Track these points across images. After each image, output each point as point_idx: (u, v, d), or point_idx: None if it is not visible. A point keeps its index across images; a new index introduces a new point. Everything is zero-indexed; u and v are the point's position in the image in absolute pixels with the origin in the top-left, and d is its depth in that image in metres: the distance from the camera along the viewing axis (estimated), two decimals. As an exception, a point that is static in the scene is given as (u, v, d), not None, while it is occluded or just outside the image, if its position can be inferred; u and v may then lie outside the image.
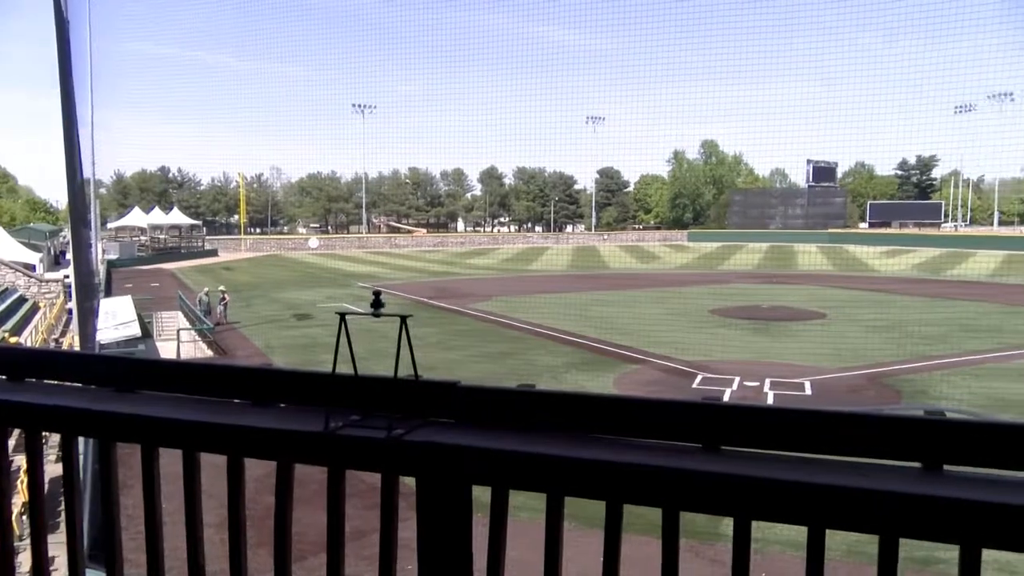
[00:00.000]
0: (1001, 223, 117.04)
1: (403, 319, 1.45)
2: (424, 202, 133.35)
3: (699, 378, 21.72)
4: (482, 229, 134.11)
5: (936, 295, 41.26)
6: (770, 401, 18.91)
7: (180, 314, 33.44)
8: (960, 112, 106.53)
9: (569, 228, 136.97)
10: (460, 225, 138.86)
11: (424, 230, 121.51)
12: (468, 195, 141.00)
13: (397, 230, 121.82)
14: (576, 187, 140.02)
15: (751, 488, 1.10)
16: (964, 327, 30.33)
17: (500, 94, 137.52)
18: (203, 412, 1.60)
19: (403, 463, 1.39)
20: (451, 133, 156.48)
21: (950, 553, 1.09)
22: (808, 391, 20.41)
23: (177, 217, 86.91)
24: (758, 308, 36.28)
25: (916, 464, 1.11)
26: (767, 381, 21.01)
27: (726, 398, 19.20)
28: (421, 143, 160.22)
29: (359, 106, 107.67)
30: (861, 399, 19.67)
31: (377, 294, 1.57)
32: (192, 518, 1.61)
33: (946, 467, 1.09)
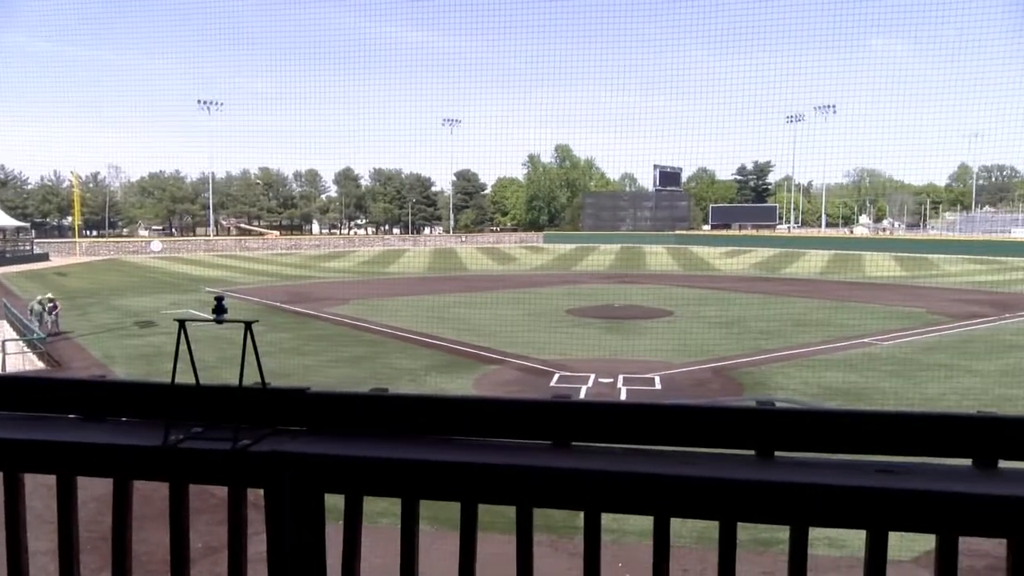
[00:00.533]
0: (828, 225, 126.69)
1: (248, 325, 1.37)
2: (277, 203, 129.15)
3: (556, 376, 22.18)
4: (338, 231, 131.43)
5: (772, 292, 44.14)
6: (623, 396, 19.58)
7: (5, 323, 30.78)
8: (791, 122, 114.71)
9: (427, 230, 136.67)
10: (315, 227, 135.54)
11: (277, 232, 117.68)
12: (323, 197, 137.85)
13: (248, 232, 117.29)
14: (434, 189, 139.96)
15: (599, 481, 1.11)
16: (797, 322, 32.58)
17: (356, 94, 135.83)
18: (27, 429, 1.46)
19: (250, 475, 1.31)
20: (305, 133, 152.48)
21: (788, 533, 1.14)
22: (658, 385, 21.26)
23: (0, 218, 79.91)
24: (611, 307, 37.52)
25: (751, 452, 1.15)
26: (620, 377, 21.72)
27: (582, 395, 19.71)
28: (273, 143, 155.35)
29: (205, 102, 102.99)
30: (707, 391, 20.70)
31: (219, 299, 1.48)
32: (16, 546, 1.46)
33: (777, 453, 1.14)
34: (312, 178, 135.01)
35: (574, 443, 1.22)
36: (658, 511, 1.13)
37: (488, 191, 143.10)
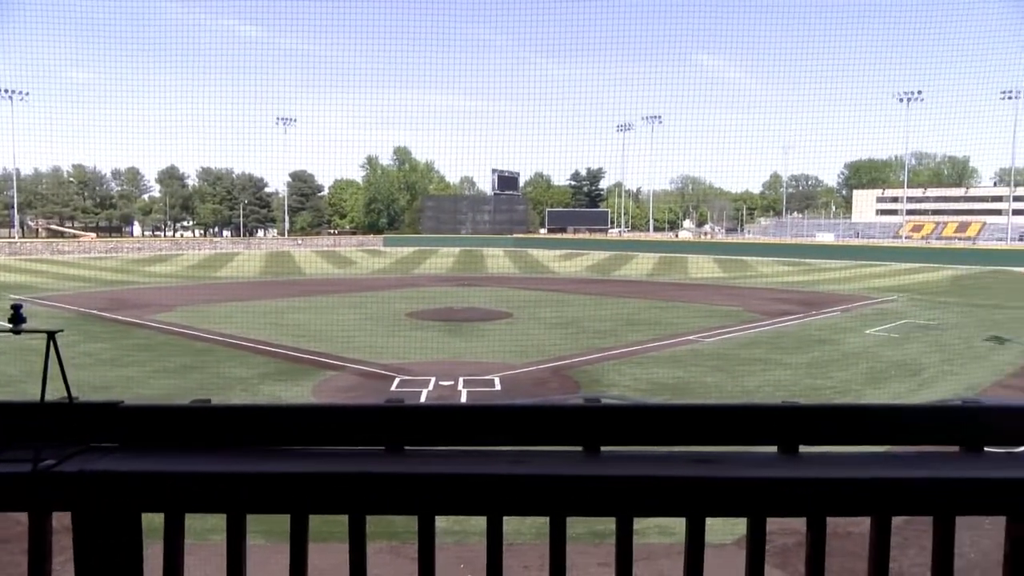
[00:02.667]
0: (655, 229, 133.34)
1: (51, 335, 1.25)
2: (93, 203, 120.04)
3: (397, 380, 21.97)
4: (162, 234, 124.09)
5: (605, 293, 45.91)
6: (464, 398, 19.68)
7: None
8: (621, 131, 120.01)
9: (261, 233, 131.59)
10: (136, 229, 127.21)
11: (93, 235, 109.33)
12: (145, 197, 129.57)
13: (60, 234, 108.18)
14: (267, 190, 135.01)
15: (432, 485, 1.11)
16: (628, 321, 34.03)
17: (182, 88, 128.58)
18: None
19: (54, 498, 1.19)
20: (125, 128, 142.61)
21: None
22: (498, 386, 21.53)
23: None
24: (451, 310, 37.65)
25: (578, 448, 1.19)
26: (461, 379, 21.82)
27: (423, 398, 19.64)
28: (89, 138, 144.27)
29: (8, 91, 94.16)
30: (546, 390, 21.20)
31: (16, 308, 1.34)
32: None
33: (603, 448, 1.18)
34: (133, 176, 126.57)
35: (407, 448, 1.21)
36: (491, 510, 1.14)
37: (325, 193, 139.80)
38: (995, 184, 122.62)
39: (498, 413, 1.21)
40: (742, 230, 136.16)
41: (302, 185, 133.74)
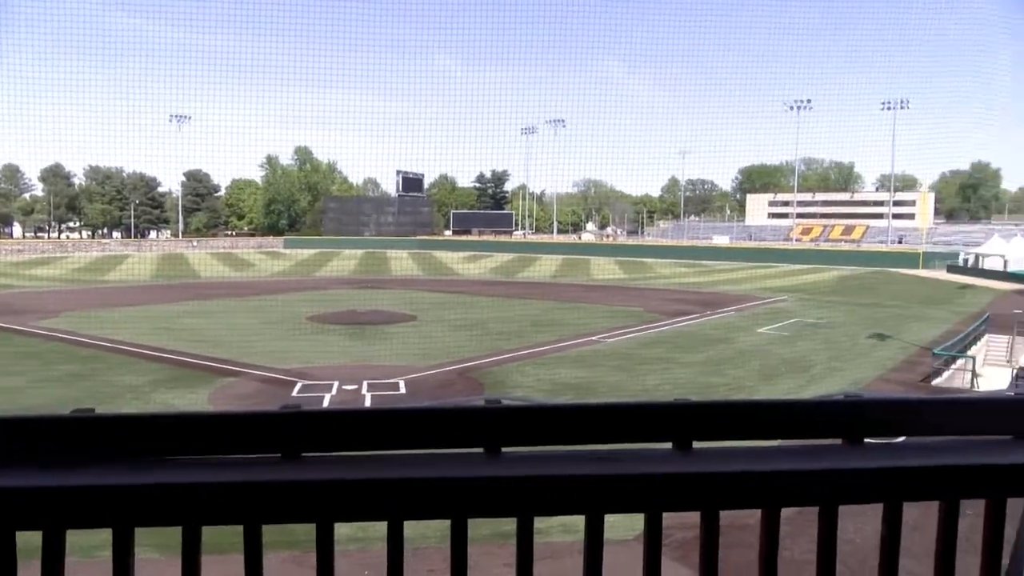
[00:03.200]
0: (559, 231, 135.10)
1: None
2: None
3: (299, 386, 21.50)
4: (46, 235, 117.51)
5: (510, 295, 46.19)
6: (367, 402, 19.43)
7: None
8: (526, 133, 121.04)
9: (153, 234, 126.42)
10: (16, 230, 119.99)
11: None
12: (26, 196, 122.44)
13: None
14: (160, 190, 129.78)
15: (331, 491, 1.08)
16: (533, 322, 34.35)
17: (66, 82, 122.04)
18: None
19: None
20: (2, 123, 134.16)
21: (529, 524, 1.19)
22: (403, 390, 21.36)
23: None
24: (355, 312, 37.11)
25: (479, 449, 1.19)
26: (365, 383, 21.54)
27: (326, 403, 19.28)
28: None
29: None
30: (451, 392, 21.15)
31: None
32: None
33: (504, 449, 1.18)
34: (11, 174, 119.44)
35: (305, 454, 1.17)
36: (390, 515, 1.13)
37: (222, 193, 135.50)
38: (877, 189, 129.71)
39: (399, 416, 1.19)
40: (642, 233, 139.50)
41: (197, 185, 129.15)
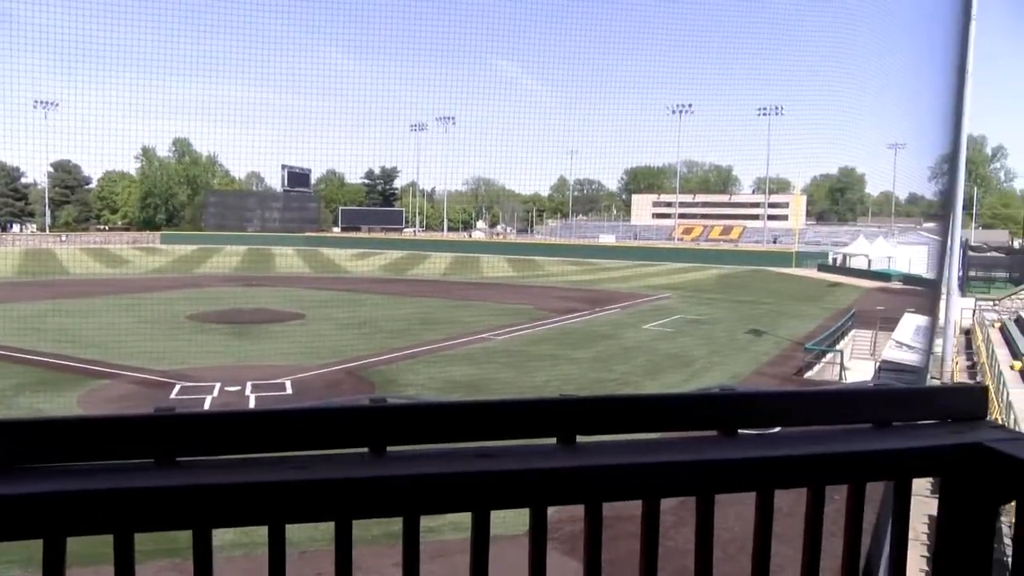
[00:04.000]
0: (449, 229, 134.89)
1: None
2: None
3: (177, 387, 20.65)
4: None
5: (400, 293, 45.82)
6: (252, 404, 18.85)
7: None
8: (415, 130, 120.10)
9: (16, 228, 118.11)
10: None
11: None
12: None
13: None
14: (24, 181, 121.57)
15: (209, 496, 1.03)
16: (423, 320, 34.19)
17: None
18: None
19: None
20: None
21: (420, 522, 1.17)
22: (289, 390, 20.86)
23: None
24: (238, 311, 35.90)
25: (364, 449, 1.16)
26: (249, 384, 20.91)
27: (207, 405, 18.57)
28: None
29: None
30: (339, 392, 20.79)
31: None
32: None
33: (389, 449, 1.17)
34: None
35: (180, 459, 1.11)
36: (270, 519, 1.09)
37: (94, 185, 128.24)
38: (753, 192, 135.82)
39: (280, 417, 1.14)
40: (532, 231, 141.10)
41: (66, 176, 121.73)
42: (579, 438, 1.26)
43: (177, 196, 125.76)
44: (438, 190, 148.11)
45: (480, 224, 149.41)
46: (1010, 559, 1.31)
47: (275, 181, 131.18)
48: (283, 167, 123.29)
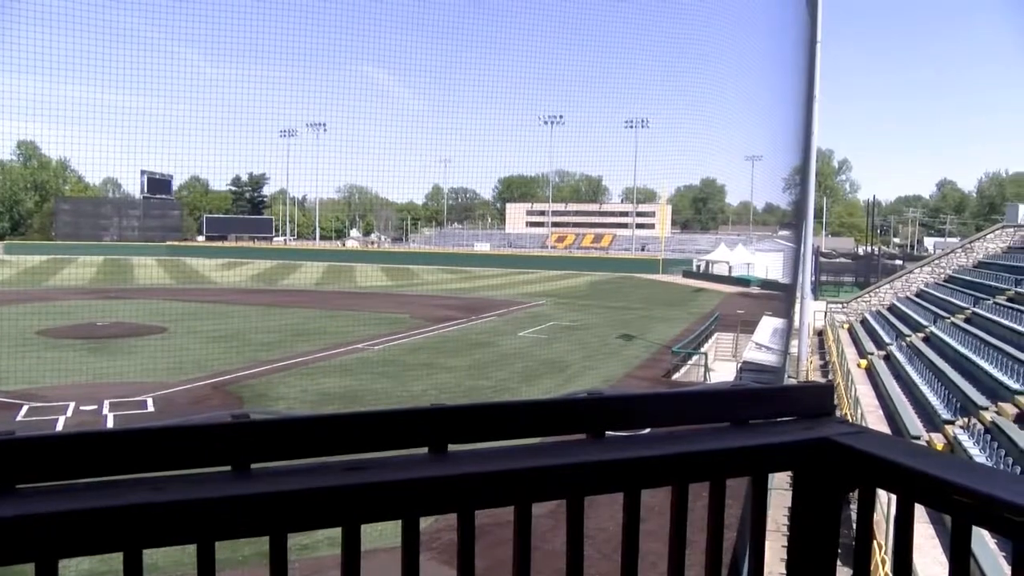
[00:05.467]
0: (322, 238, 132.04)
1: None
2: None
3: (25, 408, 19.23)
4: None
5: (271, 304, 44.41)
6: (110, 423, 17.80)
7: None
8: (285, 136, 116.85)
9: None
10: None
11: None
12: None
13: None
14: None
15: (57, 525, 0.95)
16: (296, 331, 33.28)
17: None
18: None
19: None
20: None
21: (314, 537, 1.13)
22: (151, 408, 19.83)
23: None
24: (93, 326, 33.80)
25: (227, 468, 1.12)
26: (106, 403, 19.73)
27: (59, 426, 17.37)
28: None
29: None
30: (205, 408, 19.92)
31: None
32: None
33: (254, 466, 1.13)
34: None
35: (21, 486, 1.02)
36: (128, 545, 1.02)
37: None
38: (622, 201, 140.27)
39: (135, 437, 1.07)
40: (407, 240, 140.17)
41: None
42: (451, 446, 1.26)
43: (23, 203, 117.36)
44: (310, 198, 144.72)
45: (354, 233, 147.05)
46: (854, 543, 1.41)
47: (134, 187, 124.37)
48: (142, 173, 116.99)
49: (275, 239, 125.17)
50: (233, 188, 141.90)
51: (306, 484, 1.09)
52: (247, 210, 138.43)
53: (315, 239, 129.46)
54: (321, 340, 30.78)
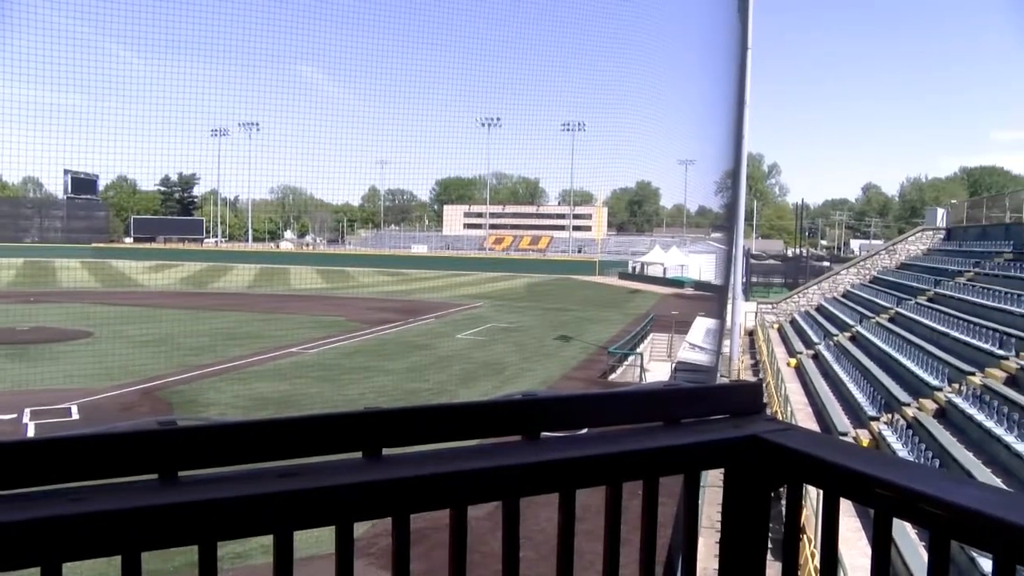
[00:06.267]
0: (255, 239, 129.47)
1: None
2: None
3: (-62, 418, 18.36)
4: None
5: (202, 307, 43.31)
6: (31, 433, 17.12)
7: None
8: (216, 136, 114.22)
9: None
10: None
11: None
12: None
13: None
14: None
15: None
16: (228, 335, 32.55)
17: None
18: None
19: None
20: None
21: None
22: (76, 415, 19.15)
23: None
24: (13, 331, 32.48)
25: (154, 476, 1.09)
26: (27, 411, 18.98)
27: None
28: None
29: None
30: (135, 415, 19.34)
31: None
32: None
33: (181, 474, 1.10)
34: None
35: None
36: (46, 559, 0.98)
37: None
38: (559, 203, 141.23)
39: (56, 447, 1.03)
40: (343, 241, 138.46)
41: None
42: (386, 450, 1.25)
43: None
44: (242, 199, 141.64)
45: (288, 234, 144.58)
46: (782, 537, 1.45)
47: (56, 187, 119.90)
48: (65, 172, 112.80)
49: (206, 241, 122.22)
50: (162, 188, 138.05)
51: (236, 492, 1.07)
52: (177, 211, 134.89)
53: (247, 241, 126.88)
54: (254, 344, 30.20)
